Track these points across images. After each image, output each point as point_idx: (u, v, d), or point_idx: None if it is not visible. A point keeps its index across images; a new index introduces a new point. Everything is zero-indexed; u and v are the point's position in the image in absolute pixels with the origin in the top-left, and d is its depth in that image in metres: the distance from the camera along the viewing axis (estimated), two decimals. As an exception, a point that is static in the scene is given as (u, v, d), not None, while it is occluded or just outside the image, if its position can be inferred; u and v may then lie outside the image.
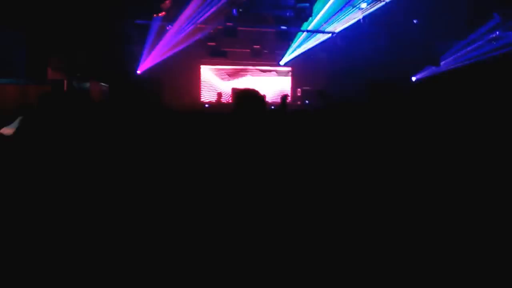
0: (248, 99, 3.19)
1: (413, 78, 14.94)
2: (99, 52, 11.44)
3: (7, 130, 4.05)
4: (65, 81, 7.53)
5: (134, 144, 2.93)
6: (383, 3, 10.81)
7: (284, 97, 4.88)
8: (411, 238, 2.29)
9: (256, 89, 3.32)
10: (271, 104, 13.97)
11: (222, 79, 15.53)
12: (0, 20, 6.47)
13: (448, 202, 2.51)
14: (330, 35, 13.06)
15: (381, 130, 3.51)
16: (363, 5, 10.67)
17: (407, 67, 14.30)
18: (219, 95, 14.57)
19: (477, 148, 3.00)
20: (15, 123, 4.21)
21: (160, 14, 10.76)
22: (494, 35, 11.12)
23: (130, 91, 11.65)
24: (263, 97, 3.29)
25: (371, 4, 10.96)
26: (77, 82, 10.34)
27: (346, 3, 11.27)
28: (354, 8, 11.32)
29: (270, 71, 15.90)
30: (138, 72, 12.82)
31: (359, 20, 11.82)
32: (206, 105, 13.68)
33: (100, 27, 10.65)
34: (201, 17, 10.92)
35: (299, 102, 14.41)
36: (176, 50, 12.38)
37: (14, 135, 3.84)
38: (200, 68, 15.10)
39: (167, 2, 10.47)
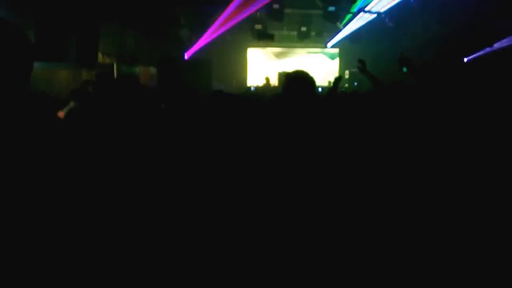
0: (297, 81, 3.02)
1: (465, 59, 14.41)
2: (148, 37, 11.63)
3: (62, 114, 4.20)
4: (115, 65, 7.70)
5: (182, 127, 2.92)
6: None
7: (338, 78, 4.74)
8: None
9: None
10: (318, 86, 13.78)
11: (269, 62, 15.44)
12: (53, 7, 6.67)
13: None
14: (375, 15, 12.65)
15: (430, 115, 3.30)
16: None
17: (459, 47, 13.78)
18: (267, 79, 14.49)
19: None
20: (69, 107, 4.36)
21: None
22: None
23: (178, 75, 11.78)
24: (313, 79, 3.16)
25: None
26: (126, 67, 10.59)
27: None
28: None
29: (317, 53, 15.67)
30: (186, 56, 12.95)
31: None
32: (252, 88, 13.65)
33: (150, 12, 10.80)
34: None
35: (346, 85, 14.13)
36: (222, 33, 12.37)
37: (65, 117, 3.97)
38: (247, 51, 15.06)
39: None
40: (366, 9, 12.33)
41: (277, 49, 15.34)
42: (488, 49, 13.65)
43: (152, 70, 11.93)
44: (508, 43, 12.46)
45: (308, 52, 15.75)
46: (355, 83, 13.23)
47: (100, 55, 8.97)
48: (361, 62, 5.56)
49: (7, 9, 5.83)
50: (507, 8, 11.20)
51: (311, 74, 3.15)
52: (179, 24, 12.51)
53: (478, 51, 14.15)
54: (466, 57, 14.62)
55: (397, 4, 11.66)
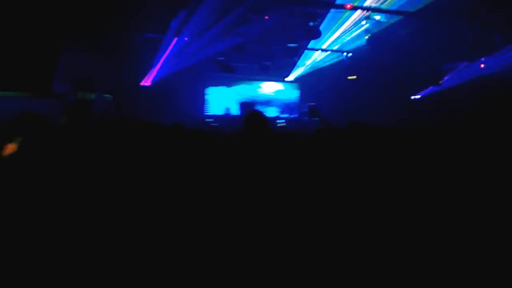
0: (253, 120, 3.54)
1: (412, 97, 15.31)
2: (106, 64, 11.39)
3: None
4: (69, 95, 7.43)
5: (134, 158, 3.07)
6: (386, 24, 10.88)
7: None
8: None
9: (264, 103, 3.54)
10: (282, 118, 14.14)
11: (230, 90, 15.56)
12: (8, 36, 6.43)
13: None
14: (339, 53, 13.08)
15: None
16: (377, 17, 10.54)
17: (409, 87, 14.63)
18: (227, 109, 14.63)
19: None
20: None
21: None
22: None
23: (135, 102, 11.56)
24: (266, 118, 3.64)
25: (376, 25, 10.98)
26: (82, 94, 10.29)
27: (353, 24, 11.30)
28: (360, 27, 11.34)
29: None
30: (145, 84, 12.76)
31: (365, 41, 11.90)
32: (211, 120, 13.61)
33: (109, 40, 10.61)
34: (211, 31, 10.80)
35: (305, 118, 14.41)
36: (185, 64, 12.31)
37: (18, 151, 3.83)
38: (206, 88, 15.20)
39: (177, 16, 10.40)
40: (326, 47, 12.71)
41: (238, 84, 15.51)
42: (434, 88, 14.64)
43: (107, 97, 11.66)
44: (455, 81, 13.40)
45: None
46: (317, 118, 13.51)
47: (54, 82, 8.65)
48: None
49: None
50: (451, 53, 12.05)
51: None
52: (137, 52, 12.37)
53: (427, 89, 15.08)
54: (415, 94, 15.49)
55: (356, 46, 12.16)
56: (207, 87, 15.14)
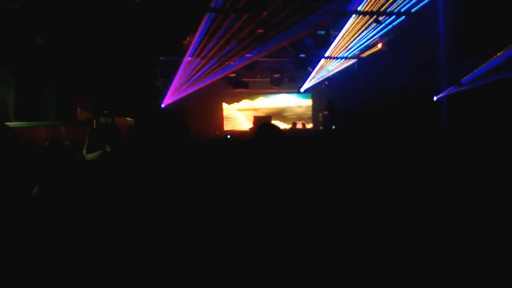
0: (266, 132, 3.50)
1: (435, 98, 15.10)
2: (125, 89, 11.81)
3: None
4: (94, 121, 7.80)
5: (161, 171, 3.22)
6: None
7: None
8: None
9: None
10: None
11: (246, 105, 15.83)
12: (31, 68, 6.87)
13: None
14: (351, 61, 13.19)
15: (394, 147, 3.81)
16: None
17: (429, 88, 14.46)
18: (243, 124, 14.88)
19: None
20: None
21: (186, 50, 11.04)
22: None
23: (155, 124, 11.89)
24: (280, 130, 3.57)
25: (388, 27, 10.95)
26: (104, 118, 10.68)
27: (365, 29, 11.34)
28: (373, 33, 11.37)
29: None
30: (162, 105, 13.16)
31: (377, 45, 11.88)
32: (228, 136, 13.88)
33: (125, 65, 11.04)
34: (223, 51, 11.11)
35: (321, 127, 14.52)
36: (199, 84, 12.66)
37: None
38: (222, 104, 15.50)
39: (188, 38, 10.79)
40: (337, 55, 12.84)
41: (249, 104, 15.81)
42: (454, 88, 14.36)
43: (129, 120, 12.05)
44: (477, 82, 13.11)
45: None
46: (334, 127, 13.58)
47: (78, 110, 9.10)
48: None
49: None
50: (472, 48, 11.77)
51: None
52: (156, 76, 12.80)
53: (446, 90, 14.84)
54: (435, 95, 15.28)
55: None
56: (223, 103, 15.49)
